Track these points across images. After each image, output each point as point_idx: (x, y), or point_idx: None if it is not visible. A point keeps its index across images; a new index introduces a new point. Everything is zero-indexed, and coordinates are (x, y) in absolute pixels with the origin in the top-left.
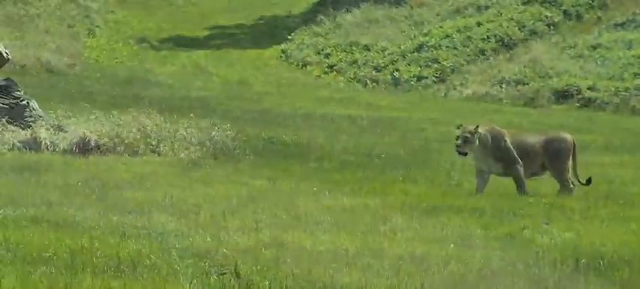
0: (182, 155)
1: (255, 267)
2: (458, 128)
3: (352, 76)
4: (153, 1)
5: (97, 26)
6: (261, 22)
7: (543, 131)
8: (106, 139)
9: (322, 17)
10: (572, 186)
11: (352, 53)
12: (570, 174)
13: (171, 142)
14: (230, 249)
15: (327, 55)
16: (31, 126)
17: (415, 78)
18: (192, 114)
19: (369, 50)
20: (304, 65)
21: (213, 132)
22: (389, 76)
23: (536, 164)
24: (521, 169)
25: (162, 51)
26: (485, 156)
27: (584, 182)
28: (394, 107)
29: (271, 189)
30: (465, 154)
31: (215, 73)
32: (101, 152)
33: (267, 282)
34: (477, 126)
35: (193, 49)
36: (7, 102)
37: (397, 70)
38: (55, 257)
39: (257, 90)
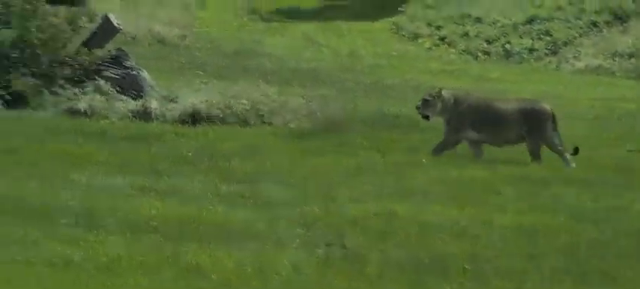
0: (292, 126)
1: (363, 237)
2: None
3: (463, 48)
4: None
5: None
6: None
7: (521, 98)
8: (216, 110)
9: None
10: (540, 157)
11: (464, 25)
12: (555, 144)
13: (282, 113)
14: (338, 220)
15: (439, 27)
16: (141, 96)
17: (527, 51)
18: (302, 86)
19: (480, 22)
20: (415, 37)
21: (323, 104)
22: (500, 48)
23: (512, 131)
24: (451, 139)
25: (272, 22)
26: (444, 117)
27: (571, 151)
28: (505, 79)
29: (380, 160)
30: (427, 117)
31: (325, 45)
32: (211, 122)
33: (374, 253)
34: (440, 89)
35: (303, 20)
36: (118, 72)
37: (509, 43)
38: (162, 226)
39: (367, 62)
